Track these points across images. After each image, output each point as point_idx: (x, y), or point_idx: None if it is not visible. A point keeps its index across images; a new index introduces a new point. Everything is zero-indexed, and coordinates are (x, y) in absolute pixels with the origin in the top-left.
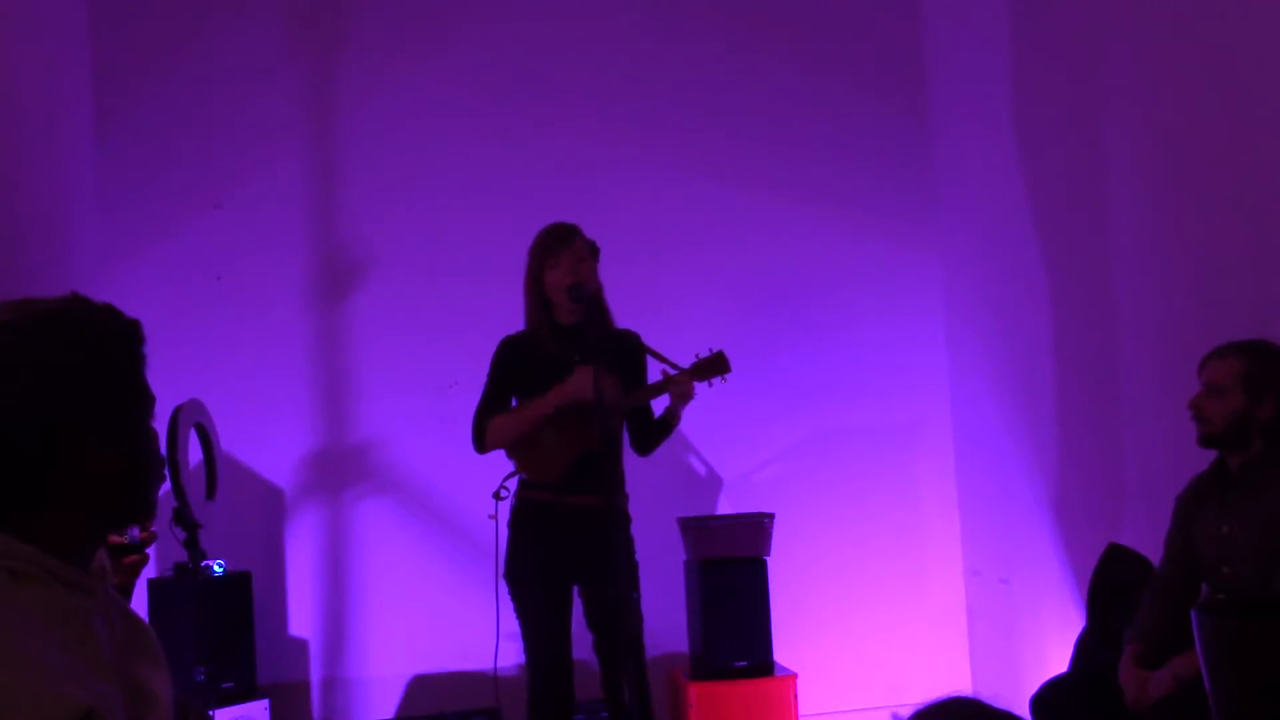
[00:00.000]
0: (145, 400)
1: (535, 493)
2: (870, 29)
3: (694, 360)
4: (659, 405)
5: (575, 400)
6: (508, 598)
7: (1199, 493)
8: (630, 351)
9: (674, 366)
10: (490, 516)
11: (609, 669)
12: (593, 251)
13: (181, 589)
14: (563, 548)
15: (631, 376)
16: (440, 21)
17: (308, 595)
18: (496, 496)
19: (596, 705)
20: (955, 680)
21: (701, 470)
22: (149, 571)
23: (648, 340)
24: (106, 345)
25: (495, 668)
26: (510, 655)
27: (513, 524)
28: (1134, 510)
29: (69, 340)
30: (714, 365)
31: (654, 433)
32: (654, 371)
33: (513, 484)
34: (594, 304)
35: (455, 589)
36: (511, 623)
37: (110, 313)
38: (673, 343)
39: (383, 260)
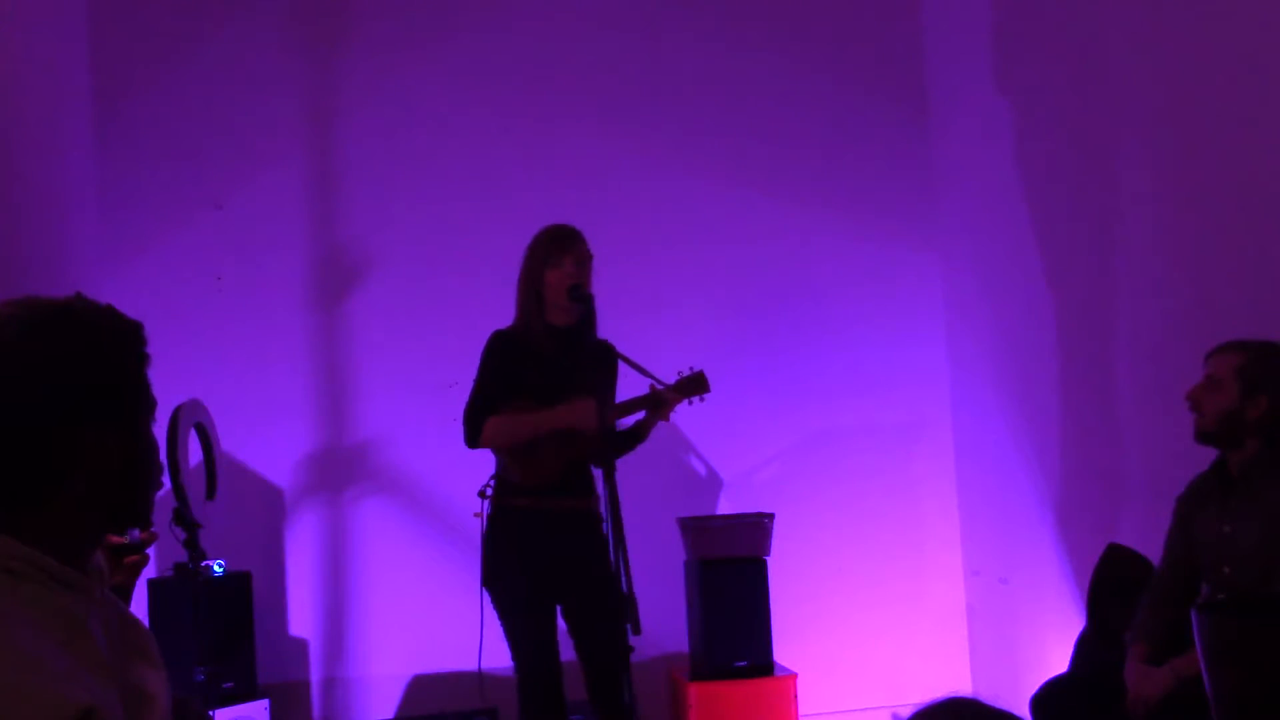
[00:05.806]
0: (146, 402)
1: (515, 499)
2: (871, 30)
3: (677, 378)
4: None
5: (575, 428)
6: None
7: (1199, 493)
8: (607, 363)
9: (659, 382)
10: (476, 515)
11: (593, 672)
12: (590, 257)
13: (181, 589)
14: (546, 554)
15: (605, 388)
16: (441, 22)
17: (308, 595)
18: (482, 495)
19: (583, 706)
20: (955, 680)
21: (701, 470)
22: (149, 571)
23: (649, 339)
24: (109, 344)
25: (480, 669)
26: (505, 656)
27: (491, 532)
28: (1134, 510)
29: (72, 337)
30: (695, 384)
31: (621, 445)
32: (625, 382)
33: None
34: (589, 307)
35: (455, 589)
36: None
37: (113, 313)
38: (673, 342)
39: (383, 260)
